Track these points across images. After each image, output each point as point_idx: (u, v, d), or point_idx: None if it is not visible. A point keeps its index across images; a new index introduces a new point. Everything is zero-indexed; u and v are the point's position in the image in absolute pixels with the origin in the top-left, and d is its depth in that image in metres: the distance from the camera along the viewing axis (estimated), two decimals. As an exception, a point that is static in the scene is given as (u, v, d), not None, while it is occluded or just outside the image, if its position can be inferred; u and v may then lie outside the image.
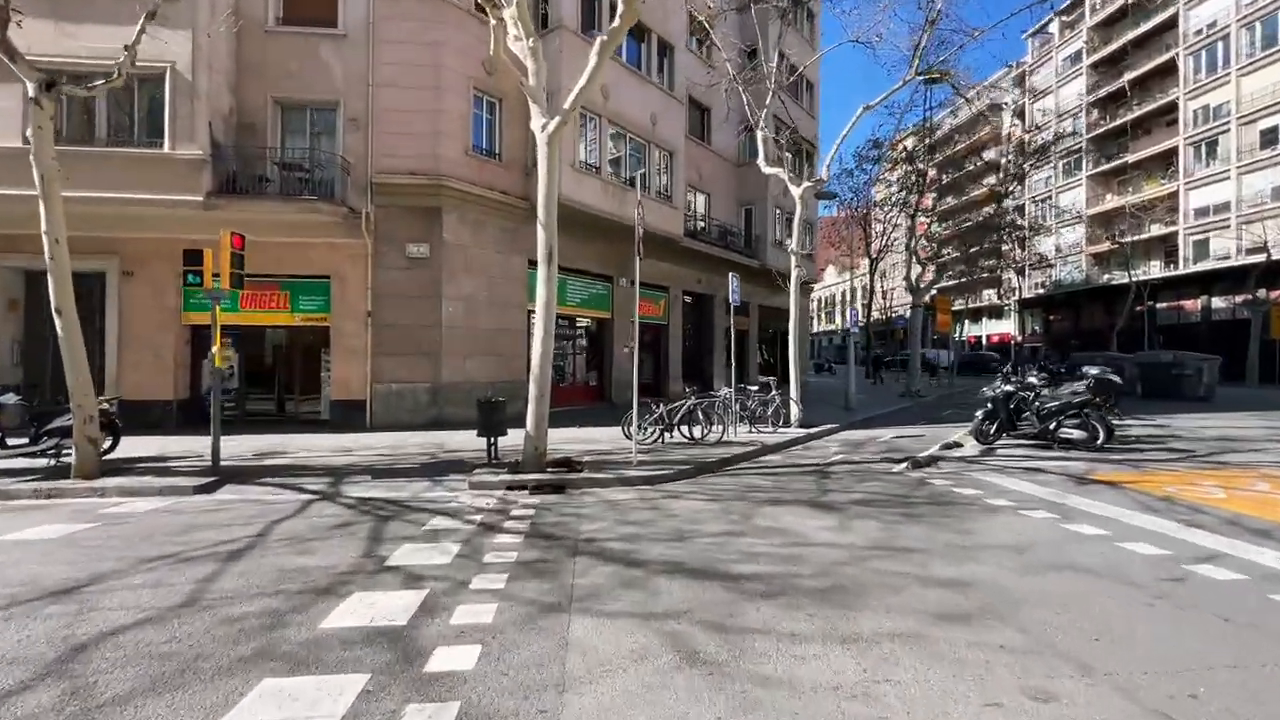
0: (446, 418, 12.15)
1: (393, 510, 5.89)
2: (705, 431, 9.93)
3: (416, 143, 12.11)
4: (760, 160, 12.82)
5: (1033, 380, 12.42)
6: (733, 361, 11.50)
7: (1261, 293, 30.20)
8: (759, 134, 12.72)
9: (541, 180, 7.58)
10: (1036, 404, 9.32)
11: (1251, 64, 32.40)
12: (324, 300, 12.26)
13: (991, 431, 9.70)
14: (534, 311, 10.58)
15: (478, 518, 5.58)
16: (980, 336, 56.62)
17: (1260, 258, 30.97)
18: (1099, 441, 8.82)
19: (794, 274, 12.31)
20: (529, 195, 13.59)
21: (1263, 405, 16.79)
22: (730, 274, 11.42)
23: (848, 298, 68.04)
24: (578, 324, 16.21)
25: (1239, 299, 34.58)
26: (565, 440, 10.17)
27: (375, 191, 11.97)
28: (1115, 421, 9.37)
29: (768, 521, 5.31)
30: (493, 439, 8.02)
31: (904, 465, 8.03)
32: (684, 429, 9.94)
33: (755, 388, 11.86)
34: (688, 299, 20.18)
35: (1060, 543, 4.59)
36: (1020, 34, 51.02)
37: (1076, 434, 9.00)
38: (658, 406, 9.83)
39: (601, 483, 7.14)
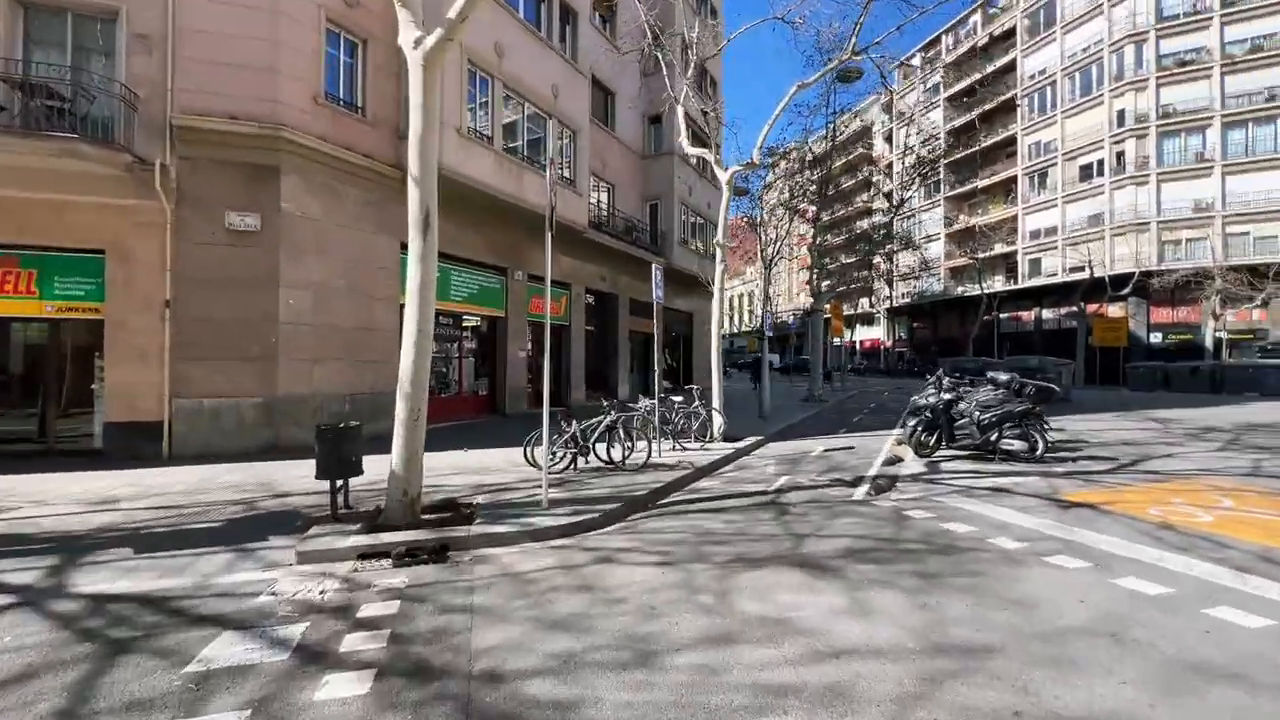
0: (286, 442, 9.28)
1: (145, 625, 3.48)
2: (627, 452, 8.22)
3: (243, 78, 9.13)
4: (681, 139, 11.40)
5: (947, 385, 12.16)
6: (655, 368, 9.89)
7: (1080, 305, 34.76)
8: (679, 110, 11.31)
9: (415, 119, 5.42)
10: (976, 414, 8.75)
11: (1073, 108, 37.48)
12: (96, 284, 8.81)
13: (931, 443, 9.02)
14: (401, 304, 8.34)
15: (298, 631, 3.38)
16: (854, 341, 60.96)
17: (1082, 275, 35.82)
18: (1038, 452, 8.40)
19: (719, 269, 11.01)
20: (401, 163, 11.06)
21: (1114, 405, 18.57)
22: (654, 265, 9.86)
23: (740, 303, 70.38)
24: (465, 323, 13.78)
25: (1063, 311, 39.90)
26: (449, 469, 7.94)
27: (178, 137, 8.81)
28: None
29: (756, 603, 3.70)
30: (341, 481, 5.65)
31: (864, 490, 6.90)
32: (600, 449, 8.14)
33: (679, 398, 10.38)
34: (590, 298, 18.42)
35: (1142, 617, 3.45)
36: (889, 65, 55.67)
37: (1017, 445, 8.52)
38: (569, 424, 7.95)
39: (502, 539, 5.14)
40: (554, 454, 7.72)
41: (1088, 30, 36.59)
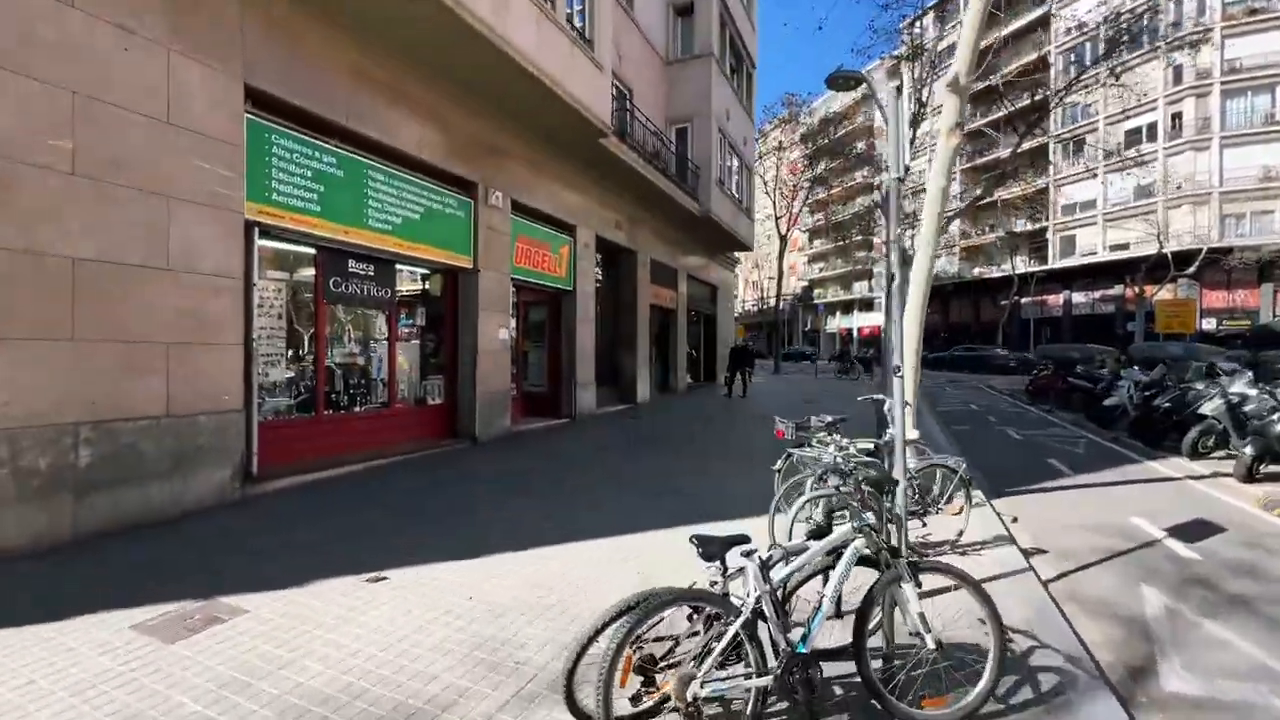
0: None
1: None
2: (919, 631, 2.50)
3: None
4: None
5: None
6: (910, 361, 4.15)
7: (1140, 287, 30.74)
8: None
9: None
10: None
11: (1120, 63, 33.27)
12: None
13: None
14: (254, 221, 4.44)
15: None
16: (851, 329, 56.66)
17: (1125, 254, 31.94)
18: None
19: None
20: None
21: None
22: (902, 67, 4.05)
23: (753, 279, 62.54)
24: (399, 275, 7.68)
25: (1097, 294, 36.12)
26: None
27: None
28: None
29: None
30: None
31: None
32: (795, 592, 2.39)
33: (916, 434, 4.66)
34: (598, 256, 12.56)
35: None
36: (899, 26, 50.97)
37: None
38: (722, 558, 2.17)
39: None
40: (700, 668, 1.96)
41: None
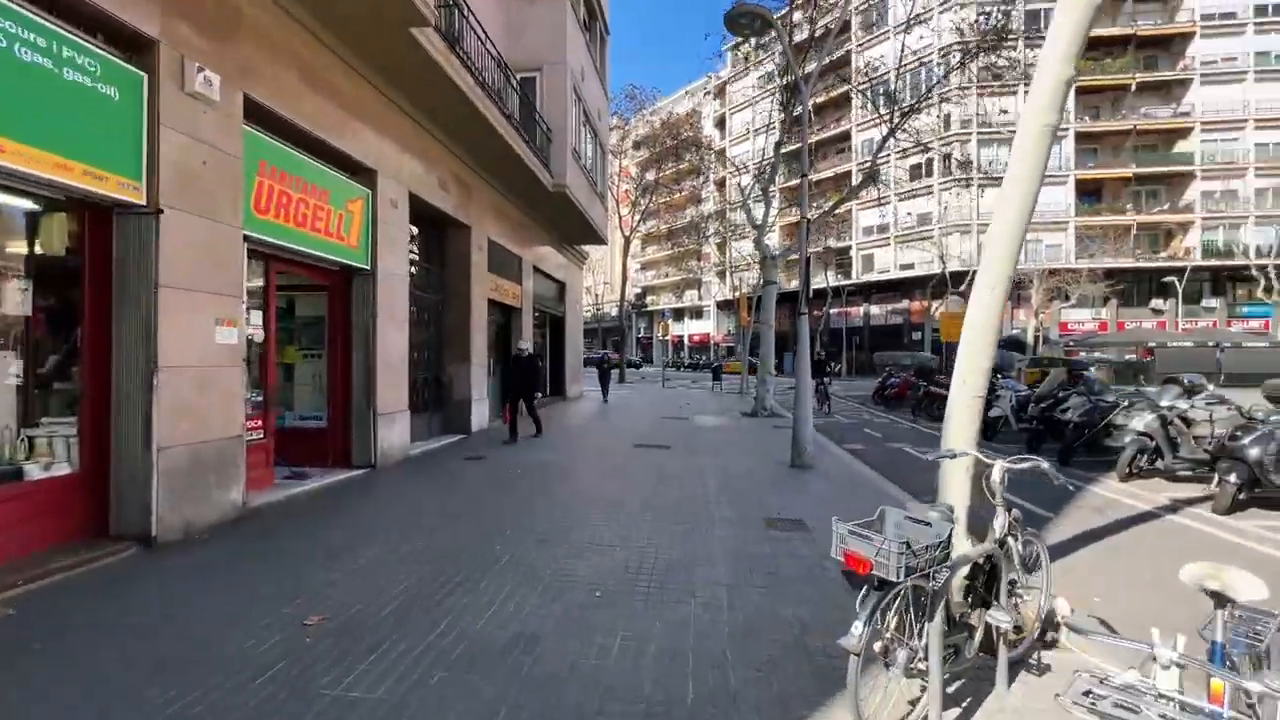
0: None
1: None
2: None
3: None
4: None
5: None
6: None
7: (912, 303, 35.26)
8: None
9: None
10: None
11: (908, 107, 38.23)
12: None
13: None
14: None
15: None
16: (683, 336, 57.91)
17: (912, 272, 36.67)
18: None
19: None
20: None
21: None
22: None
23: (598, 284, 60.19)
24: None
25: (889, 307, 41.07)
26: None
27: None
28: None
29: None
30: None
31: None
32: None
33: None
34: (414, 227, 8.90)
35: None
36: (721, 49, 53.36)
37: None
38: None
39: None
40: None
41: (920, 32, 37.45)
